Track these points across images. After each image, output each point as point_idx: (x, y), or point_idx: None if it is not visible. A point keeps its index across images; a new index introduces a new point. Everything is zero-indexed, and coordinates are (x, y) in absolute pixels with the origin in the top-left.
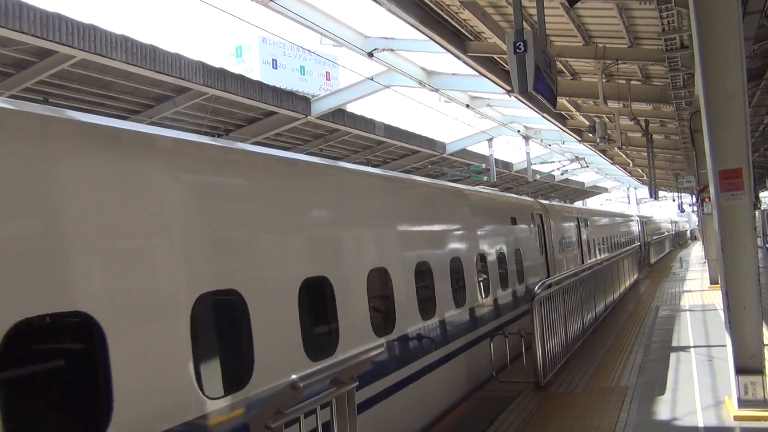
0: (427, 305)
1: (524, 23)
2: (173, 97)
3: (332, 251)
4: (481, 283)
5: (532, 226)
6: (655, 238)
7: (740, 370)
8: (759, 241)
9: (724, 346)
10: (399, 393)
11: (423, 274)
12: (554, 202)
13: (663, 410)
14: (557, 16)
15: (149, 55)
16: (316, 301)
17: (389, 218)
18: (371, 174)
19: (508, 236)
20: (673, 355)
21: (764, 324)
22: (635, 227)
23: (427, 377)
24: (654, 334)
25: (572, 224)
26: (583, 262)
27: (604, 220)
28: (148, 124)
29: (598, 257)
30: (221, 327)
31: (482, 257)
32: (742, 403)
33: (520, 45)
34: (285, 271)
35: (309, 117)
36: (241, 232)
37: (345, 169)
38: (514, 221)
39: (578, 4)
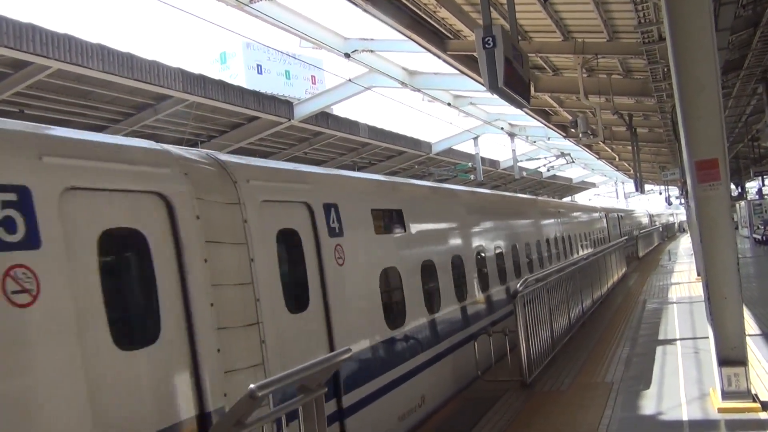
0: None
1: (500, 18)
2: (153, 104)
3: None
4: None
5: (603, 219)
6: (650, 228)
7: (723, 362)
8: (745, 231)
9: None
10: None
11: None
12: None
13: (648, 405)
14: (534, 12)
15: (126, 62)
16: None
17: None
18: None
19: (601, 225)
20: (659, 349)
21: (750, 314)
22: (646, 219)
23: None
24: (641, 328)
25: (615, 217)
26: (620, 236)
27: (628, 214)
28: (128, 133)
29: (630, 233)
30: None
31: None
32: (726, 395)
33: (488, 40)
34: None
35: (292, 121)
36: None
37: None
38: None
39: None
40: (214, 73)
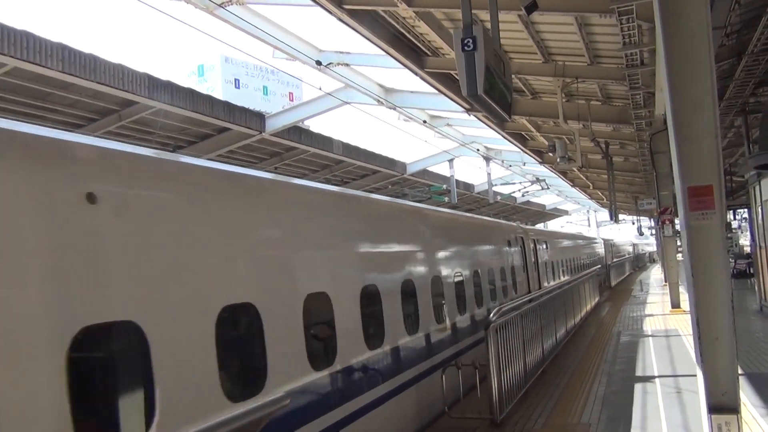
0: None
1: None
2: (118, 110)
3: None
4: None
5: (602, 246)
6: (624, 258)
7: (713, 409)
8: None
9: (692, 375)
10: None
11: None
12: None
13: None
14: (516, 32)
15: (89, 65)
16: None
17: None
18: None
19: (601, 251)
20: (637, 387)
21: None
22: (630, 247)
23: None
24: (616, 363)
25: (610, 245)
26: (613, 260)
27: (617, 242)
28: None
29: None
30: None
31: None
32: None
33: (468, 42)
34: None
35: (263, 134)
36: None
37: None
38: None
39: (537, 19)
40: (192, 85)
